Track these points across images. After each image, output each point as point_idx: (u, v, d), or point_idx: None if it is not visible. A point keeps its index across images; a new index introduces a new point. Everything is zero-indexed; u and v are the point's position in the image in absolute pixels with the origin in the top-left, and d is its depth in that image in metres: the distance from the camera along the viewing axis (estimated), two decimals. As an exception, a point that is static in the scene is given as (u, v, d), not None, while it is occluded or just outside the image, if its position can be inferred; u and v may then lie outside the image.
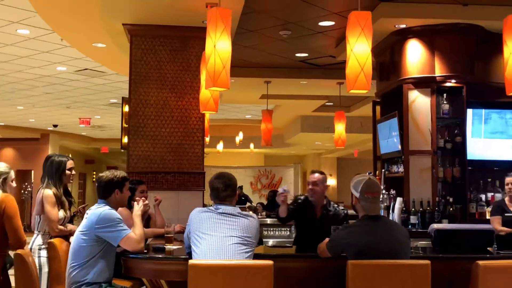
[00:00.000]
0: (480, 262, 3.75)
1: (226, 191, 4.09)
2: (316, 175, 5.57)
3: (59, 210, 4.97)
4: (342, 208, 5.76)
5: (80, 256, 4.06)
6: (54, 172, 5.10)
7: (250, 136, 18.50)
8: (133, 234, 4.12)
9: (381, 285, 3.63)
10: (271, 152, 22.58)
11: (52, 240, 4.77)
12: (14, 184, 4.48)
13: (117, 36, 7.66)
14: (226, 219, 3.92)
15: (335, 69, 9.93)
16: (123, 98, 8.85)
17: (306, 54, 9.41)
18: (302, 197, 5.75)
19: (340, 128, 10.54)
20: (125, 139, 7.49)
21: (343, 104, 12.11)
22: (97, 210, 4.12)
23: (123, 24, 7.08)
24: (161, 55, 7.14)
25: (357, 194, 3.91)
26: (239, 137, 17.60)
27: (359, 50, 4.74)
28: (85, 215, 4.26)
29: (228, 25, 4.77)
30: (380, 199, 4.33)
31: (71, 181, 5.32)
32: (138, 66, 7.13)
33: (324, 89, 11.35)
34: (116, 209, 4.25)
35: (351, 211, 5.72)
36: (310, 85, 11.01)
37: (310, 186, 5.55)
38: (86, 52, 9.44)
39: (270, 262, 3.56)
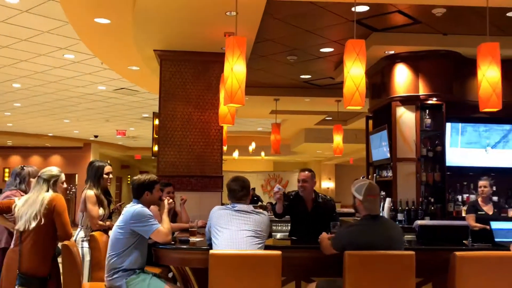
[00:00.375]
0: (457, 253, 3.72)
1: (241, 192, 4.11)
2: (306, 172, 5.42)
3: (99, 208, 4.99)
4: (329, 198, 5.66)
5: (117, 247, 4.06)
6: (94, 176, 5.12)
7: (261, 145, 18.49)
8: (162, 228, 4.11)
9: (373, 272, 3.61)
10: (279, 159, 22.55)
11: (93, 233, 4.79)
12: (64, 185, 4.45)
13: (148, 60, 7.69)
14: (241, 215, 3.93)
15: (334, 88, 9.93)
16: (154, 113, 8.88)
17: (309, 76, 9.40)
18: (293, 193, 5.61)
19: (338, 139, 10.52)
20: (156, 148, 7.51)
21: (340, 118, 12.09)
22: (131, 208, 4.13)
23: (154, 50, 7.11)
24: (186, 77, 7.15)
25: (360, 197, 3.84)
26: (252, 146, 17.61)
27: (354, 73, 4.74)
28: (122, 212, 4.27)
29: (243, 51, 4.78)
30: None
31: (108, 183, 5.32)
32: (166, 86, 7.13)
33: (324, 105, 11.32)
34: (148, 207, 4.24)
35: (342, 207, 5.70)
36: (312, 102, 10.98)
37: (300, 183, 5.41)
38: (123, 74, 9.46)
39: (278, 252, 3.55)
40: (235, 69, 4.73)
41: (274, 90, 10.25)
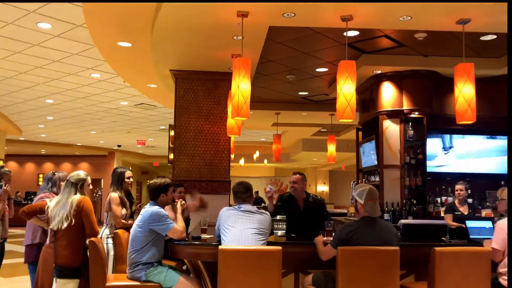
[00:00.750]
0: (437, 248, 3.71)
1: (245, 194, 4.10)
2: (297, 175, 5.31)
3: (122, 208, 5.00)
4: (320, 198, 5.52)
5: (137, 243, 4.05)
6: (117, 180, 5.13)
7: (264, 153, 18.51)
8: (177, 226, 4.11)
9: (362, 266, 3.59)
10: (280, 165, 22.54)
11: (117, 230, 4.80)
12: (90, 187, 4.44)
13: (165, 79, 7.75)
14: (246, 215, 3.93)
15: (328, 104, 9.97)
16: (170, 125, 8.88)
17: (306, 93, 9.43)
18: (286, 194, 5.48)
19: (331, 148, 10.52)
20: (171, 156, 7.53)
21: (334, 130, 12.09)
22: (149, 209, 4.11)
23: (170, 70, 7.16)
24: (198, 93, 7.18)
25: (361, 201, 3.79)
26: (256, 154, 17.63)
27: (346, 90, 4.76)
28: (141, 212, 4.28)
29: (248, 71, 4.81)
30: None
31: (129, 187, 5.32)
32: (181, 101, 7.17)
33: (320, 118, 11.33)
34: (163, 208, 4.24)
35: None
36: (309, 116, 10.99)
37: (291, 184, 5.29)
38: (142, 91, 9.52)
39: (279, 247, 3.54)
40: (241, 87, 4.76)
41: (275, 105, 10.27)
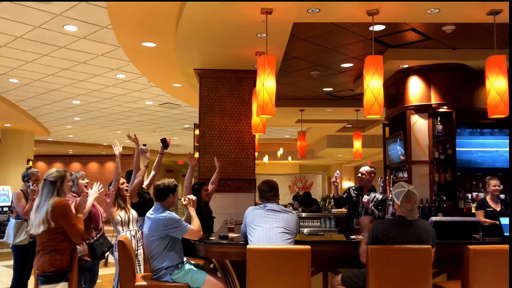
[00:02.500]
0: (471, 247, 3.64)
1: (270, 193, 4.06)
2: (365, 168, 5.65)
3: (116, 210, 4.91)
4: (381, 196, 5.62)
5: (154, 251, 4.02)
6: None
7: (288, 151, 18.43)
8: (193, 226, 4.07)
9: (394, 265, 3.53)
10: (304, 162, 22.45)
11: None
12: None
13: (189, 78, 7.75)
14: (272, 214, 3.89)
15: (353, 99, 9.85)
16: (194, 124, 8.91)
17: (331, 89, 9.33)
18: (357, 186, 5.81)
19: (357, 144, 10.40)
20: (197, 155, 7.55)
21: (359, 126, 11.96)
22: (158, 216, 4.00)
23: (194, 69, 7.16)
24: (222, 92, 7.18)
25: (398, 202, 3.70)
26: (280, 152, 17.55)
27: (373, 85, 4.68)
28: (147, 219, 4.11)
29: (273, 68, 4.77)
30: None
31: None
32: (205, 100, 7.17)
33: (345, 114, 11.21)
34: (169, 209, 4.16)
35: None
36: (334, 112, 10.89)
37: (359, 175, 5.67)
38: (167, 90, 9.57)
39: (308, 247, 3.51)
40: (266, 85, 4.72)
41: (299, 102, 10.20)
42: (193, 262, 4.24)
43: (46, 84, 9.64)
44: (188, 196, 4.40)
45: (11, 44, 7.12)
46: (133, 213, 4.93)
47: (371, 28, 5.21)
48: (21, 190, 5.65)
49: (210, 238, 4.33)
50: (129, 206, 4.98)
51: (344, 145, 15.29)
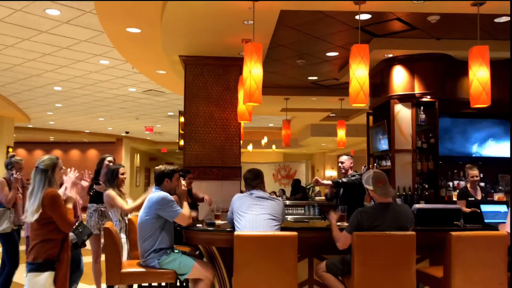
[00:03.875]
0: (453, 233, 3.71)
1: (256, 180, 4.13)
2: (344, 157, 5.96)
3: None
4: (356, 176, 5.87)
5: (146, 231, 4.05)
6: (111, 177, 5.11)
7: (273, 139, 18.47)
8: (184, 212, 4.10)
9: (378, 251, 3.60)
10: (288, 151, 22.52)
11: (130, 217, 4.83)
12: (62, 170, 3.89)
13: (174, 65, 7.68)
14: (259, 201, 3.94)
15: (338, 88, 9.89)
16: (179, 111, 8.85)
17: (316, 77, 9.34)
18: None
19: (341, 133, 10.46)
20: (182, 142, 7.52)
21: (343, 115, 12.02)
22: (155, 195, 4.10)
23: (179, 56, 7.09)
24: (208, 79, 7.11)
25: (370, 187, 3.80)
26: (264, 140, 17.58)
27: (359, 74, 4.71)
28: (146, 199, 4.22)
29: (260, 56, 4.77)
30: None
31: (123, 184, 5.25)
32: (190, 87, 7.11)
33: (329, 103, 11.25)
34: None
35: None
36: (318, 101, 10.92)
37: (339, 164, 6.01)
38: (151, 77, 9.46)
39: (295, 233, 3.56)
40: (253, 72, 4.73)
41: (284, 90, 10.19)
42: (179, 249, 4.27)
43: (27, 70, 9.47)
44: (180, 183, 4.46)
45: None
46: (129, 201, 5.04)
47: (357, 17, 5.23)
48: (4, 178, 5.58)
49: (197, 225, 4.35)
50: (125, 196, 5.11)
51: (328, 134, 15.36)
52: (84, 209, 4.97)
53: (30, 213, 3.54)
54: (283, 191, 12.41)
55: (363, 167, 8.63)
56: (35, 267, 3.52)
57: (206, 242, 4.23)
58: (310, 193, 13.44)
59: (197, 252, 4.95)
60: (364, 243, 3.61)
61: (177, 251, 4.18)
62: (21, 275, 6.53)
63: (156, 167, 4.36)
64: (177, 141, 9.71)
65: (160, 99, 12.69)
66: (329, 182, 5.64)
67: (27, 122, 16.32)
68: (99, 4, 5.55)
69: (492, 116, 7.29)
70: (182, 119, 8.11)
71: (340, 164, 5.81)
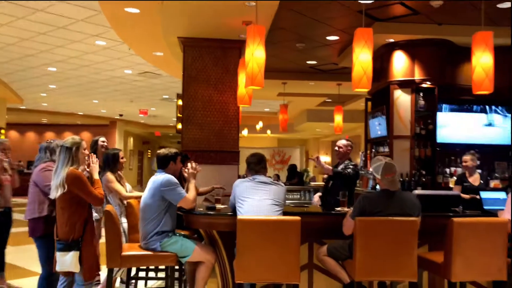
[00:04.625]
0: (455, 219, 3.71)
1: (259, 165, 4.12)
2: (342, 141, 5.56)
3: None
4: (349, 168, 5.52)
5: (150, 213, 4.03)
6: (112, 161, 4.99)
7: (268, 124, 18.46)
8: (188, 196, 4.08)
9: (380, 236, 3.59)
10: (283, 136, 22.51)
11: (129, 200, 4.77)
12: (86, 152, 4.01)
13: (172, 47, 7.57)
14: (262, 186, 3.93)
15: (336, 73, 9.85)
16: (177, 94, 8.77)
17: (315, 62, 9.30)
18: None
19: (338, 118, 10.45)
20: (179, 126, 7.47)
21: (340, 100, 12.00)
22: (159, 177, 4.09)
23: (178, 37, 6.99)
24: (207, 61, 7.02)
25: (378, 176, 3.77)
26: (259, 125, 17.56)
27: (363, 59, 4.67)
28: (149, 181, 4.21)
29: (262, 39, 4.72)
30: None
31: (123, 168, 5.17)
32: (189, 70, 7.02)
33: (327, 88, 11.21)
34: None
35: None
36: (316, 85, 10.87)
37: (336, 148, 5.58)
38: (147, 59, 9.38)
39: (298, 217, 3.54)
40: (256, 55, 4.69)
41: (282, 74, 10.14)
42: (180, 233, 4.25)
43: (21, 49, 9.33)
44: (190, 166, 4.41)
45: None
46: (128, 186, 4.99)
47: (360, 1, 5.17)
48: None
49: (198, 209, 4.33)
50: (124, 180, 5.03)
51: (324, 119, 15.36)
52: None
53: (54, 189, 3.74)
54: (278, 176, 12.41)
55: (361, 153, 8.63)
56: (62, 246, 3.72)
57: (207, 225, 4.21)
58: (305, 178, 13.45)
59: (195, 236, 4.93)
60: (366, 228, 3.61)
61: (178, 234, 4.17)
62: (15, 256, 6.53)
63: (159, 151, 4.33)
64: (172, 124, 9.65)
65: (156, 81, 12.59)
66: (329, 167, 5.47)
67: (19, 103, 16.19)
68: None
69: (491, 103, 7.29)
70: (180, 102, 8.03)
71: (337, 148, 5.58)
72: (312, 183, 12.15)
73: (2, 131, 14.07)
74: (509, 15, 6.14)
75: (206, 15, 5.98)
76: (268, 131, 19.03)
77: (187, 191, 4.22)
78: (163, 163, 4.24)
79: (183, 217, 4.29)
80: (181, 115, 7.45)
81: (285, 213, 3.95)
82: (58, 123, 22.31)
